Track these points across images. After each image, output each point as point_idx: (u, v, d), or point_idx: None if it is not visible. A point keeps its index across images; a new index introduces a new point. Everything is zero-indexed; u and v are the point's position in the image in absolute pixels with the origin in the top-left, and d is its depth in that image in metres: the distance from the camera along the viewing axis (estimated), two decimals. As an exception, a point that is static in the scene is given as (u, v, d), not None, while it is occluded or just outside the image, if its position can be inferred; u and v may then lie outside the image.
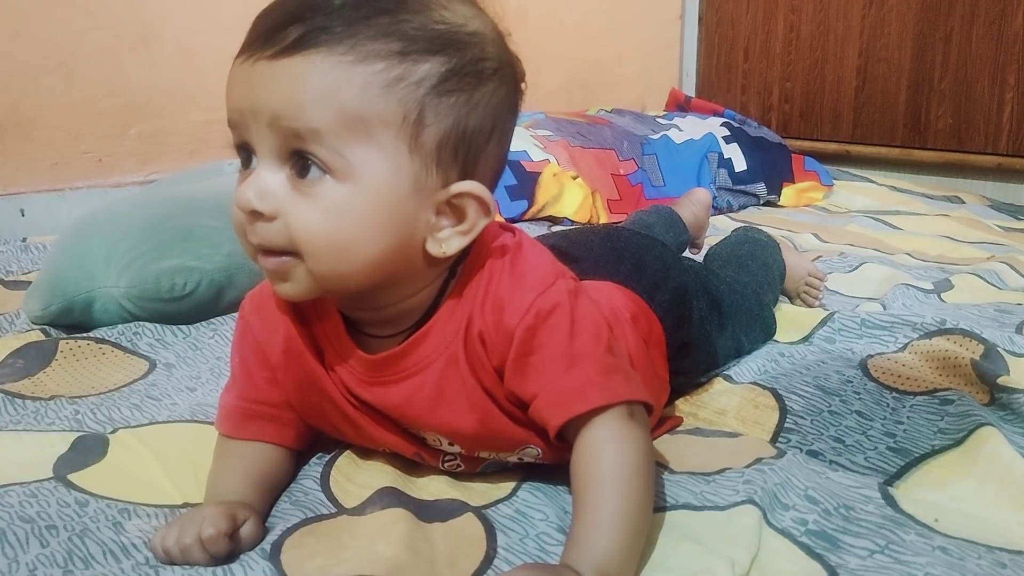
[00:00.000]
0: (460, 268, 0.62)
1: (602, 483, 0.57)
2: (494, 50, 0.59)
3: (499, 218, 1.74)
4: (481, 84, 0.58)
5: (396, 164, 0.55)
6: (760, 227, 1.29)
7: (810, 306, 1.15)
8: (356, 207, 0.55)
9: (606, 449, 0.58)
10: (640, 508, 0.58)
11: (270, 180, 0.55)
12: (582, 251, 0.87)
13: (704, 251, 1.23)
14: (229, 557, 0.59)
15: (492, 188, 0.61)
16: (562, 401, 0.59)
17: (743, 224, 1.33)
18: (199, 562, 0.58)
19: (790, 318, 1.05)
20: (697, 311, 0.87)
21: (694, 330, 0.86)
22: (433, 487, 0.69)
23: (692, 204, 1.32)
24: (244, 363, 0.69)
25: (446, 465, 0.70)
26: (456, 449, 0.67)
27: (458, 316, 0.61)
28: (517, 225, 1.60)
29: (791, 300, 1.17)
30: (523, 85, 0.63)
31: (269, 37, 0.54)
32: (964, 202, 1.96)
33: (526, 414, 0.62)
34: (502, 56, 0.60)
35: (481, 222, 0.59)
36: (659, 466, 0.70)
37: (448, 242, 0.59)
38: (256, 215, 0.55)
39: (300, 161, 0.55)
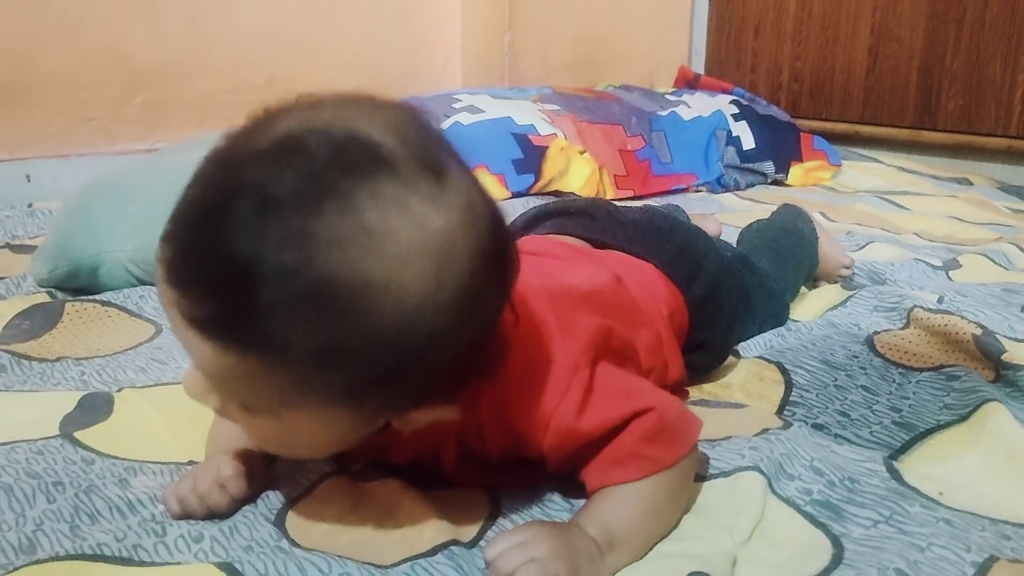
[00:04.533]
0: None
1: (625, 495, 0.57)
2: (446, 295, 0.47)
3: (505, 191, 1.73)
4: (436, 344, 0.48)
5: (339, 422, 0.52)
6: (771, 207, 1.27)
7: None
8: (306, 438, 0.54)
9: (635, 490, 0.57)
10: (660, 520, 0.57)
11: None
12: (628, 219, 0.86)
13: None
14: (243, 501, 0.60)
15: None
16: (600, 469, 0.58)
17: (790, 204, 1.26)
18: (218, 505, 0.58)
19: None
20: (726, 316, 0.84)
21: (718, 336, 0.84)
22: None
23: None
24: None
25: None
26: None
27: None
28: (523, 198, 1.60)
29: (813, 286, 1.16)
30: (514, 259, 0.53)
31: (182, 290, 0.47)
32: (972, 184, 1.94)
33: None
34: (458, 281, 0.47)
35: (449, 409, 0.54)
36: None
37: (414, 422, 0.54)
38: None
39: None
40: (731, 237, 1.14)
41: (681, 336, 0.80)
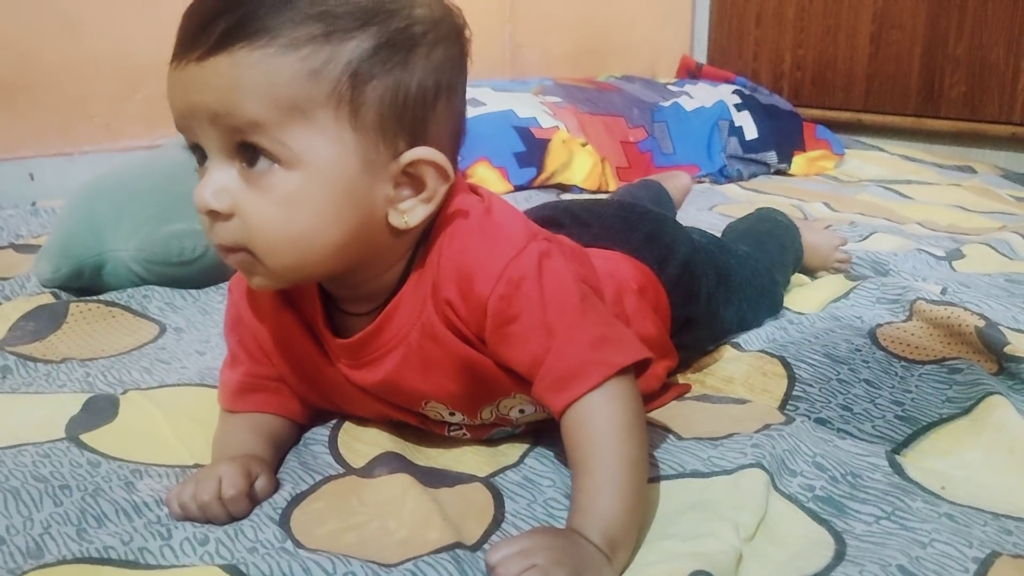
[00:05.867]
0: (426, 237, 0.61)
1: (596, 444, 0.57)
2: (423, 11, 0.57)
3: (508, 185, 1.73)
4: (413, 49, 0.57)
5: (341, 144, 0.55)
6: (774, 197, 1.28)
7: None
8: (309, 195, 0.55)
9: (598, 409, 0.58)
10: (636, 466, 0.57)
11: (222, 177, 0.56)
12: (594, 218, 0.87)
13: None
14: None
15: (454, 150, 0.61)
16: (561, 386, 0.58)
17: (764, 206, 1.30)
18: (217, 518, 0.58)
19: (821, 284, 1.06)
20: (705, 288, 0.86)
21: (700, 307, 0.85)
22: (441, 459, 0.69)
23: (676, 189, 1.30)
24: (242, 342, 0.69)
25: (452, 434, 0.70)
26: (459, 419, 0.67)
27: (423, 285, 0.61)
28: (525, 191, 1.61)
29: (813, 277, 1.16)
30: (467, 34, 0.60)
31: (194, 38, 0.54)
32: (976, 172, 1.94)
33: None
34: (433, 14, 0.58)
35: (442, 188, 0.59)
36: (667, 432, 0.70)
37: (411, 213, 0.58)
38: (214, 215, 0.56)
39: (248, 152, 0.55)
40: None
41: (662, 312, 0.80)
